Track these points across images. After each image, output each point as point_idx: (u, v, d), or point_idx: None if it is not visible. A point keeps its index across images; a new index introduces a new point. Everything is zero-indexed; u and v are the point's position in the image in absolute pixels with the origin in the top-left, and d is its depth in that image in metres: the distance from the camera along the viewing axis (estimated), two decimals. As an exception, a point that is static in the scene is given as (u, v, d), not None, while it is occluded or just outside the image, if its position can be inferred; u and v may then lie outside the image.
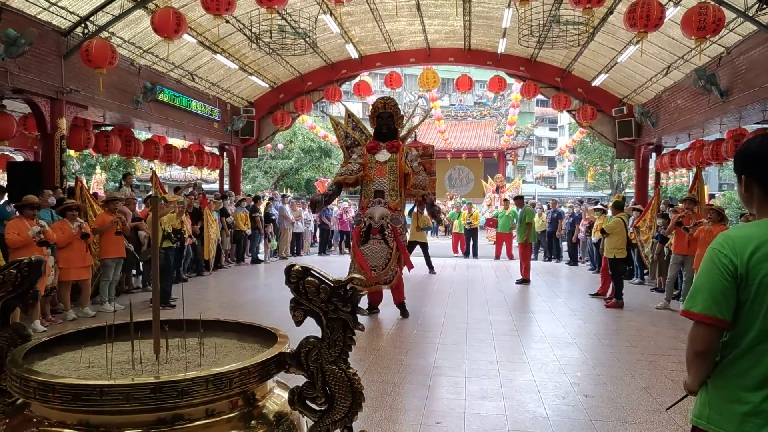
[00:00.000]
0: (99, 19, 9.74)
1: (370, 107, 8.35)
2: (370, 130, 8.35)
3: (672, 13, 9.19)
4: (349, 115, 8.52)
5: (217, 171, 17.90)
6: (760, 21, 8.67)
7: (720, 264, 1.70)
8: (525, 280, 11.27)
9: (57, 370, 1.76)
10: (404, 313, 7.90)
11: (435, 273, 12.63)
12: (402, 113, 8.34)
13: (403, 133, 8.44)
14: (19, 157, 13.95)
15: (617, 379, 5.23)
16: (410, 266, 8.22)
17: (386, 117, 8.03)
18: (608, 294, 9.37)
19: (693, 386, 1.83)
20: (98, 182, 21.48)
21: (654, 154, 15.63)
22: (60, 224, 7.37)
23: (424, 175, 8.26)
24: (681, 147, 14.48)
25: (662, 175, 16.84)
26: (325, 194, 8.30)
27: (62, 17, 9.48)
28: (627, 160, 19.76)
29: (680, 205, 10.05)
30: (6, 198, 8.83)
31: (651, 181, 16.46)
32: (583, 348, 6.43)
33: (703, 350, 1.75)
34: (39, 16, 9.10)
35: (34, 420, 1.61)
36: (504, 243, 16.10)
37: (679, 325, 7.48)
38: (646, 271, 11.41)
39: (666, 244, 9.98)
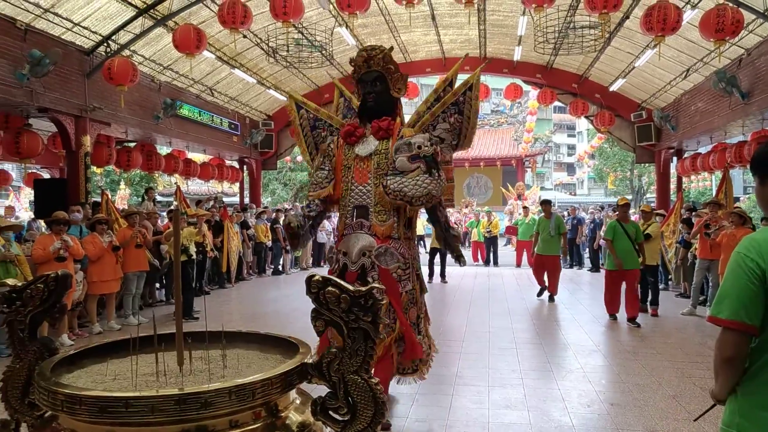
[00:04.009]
0: (120, 37, 9.99)
1: (352, 65, 4.47)
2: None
3: (689, 15, 9.09)
4: (341, 93, 5.01)
5: (237, 184, 18.13)
6: (781, 21, 8.56)
7: (746, 268, 1.67)
8: (551, 296, 10.06)
9: (84, 382, 1.79)
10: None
11: (446, 282, 12.51)
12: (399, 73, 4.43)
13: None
14: (46, 175, 14.27)
15: (643, 387, 5.12)
16: (418, 352, 4.23)
17: (372, 80, 4.33)
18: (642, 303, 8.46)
19: (721, 394, 1.78)
20: (122, 197, 21.85)
21: (675, 158, 15.41)
22: (91, 238, 7.52)
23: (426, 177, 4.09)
24: (702, 150, 14.26)
25: (684, 179, 16.63)
26: (306, 216, 4.52)
27: (85, 37, 9.74)
28: (647, 165, 19.49)
29: (704, 209, 9.79)
30: (32, 215, 9.04)
31: (673, 186, 16.23)
32: (607, 355, 6.34)
33: (731, 357, 1.70)
34: (62, 37, 9.36)
35: (63, 432, 1.63)
36: (525, 251, 15.78)
37: (706, 331, 7.31)
38: (670, 276, 11.19)
39: (690, 250, 9.75)
